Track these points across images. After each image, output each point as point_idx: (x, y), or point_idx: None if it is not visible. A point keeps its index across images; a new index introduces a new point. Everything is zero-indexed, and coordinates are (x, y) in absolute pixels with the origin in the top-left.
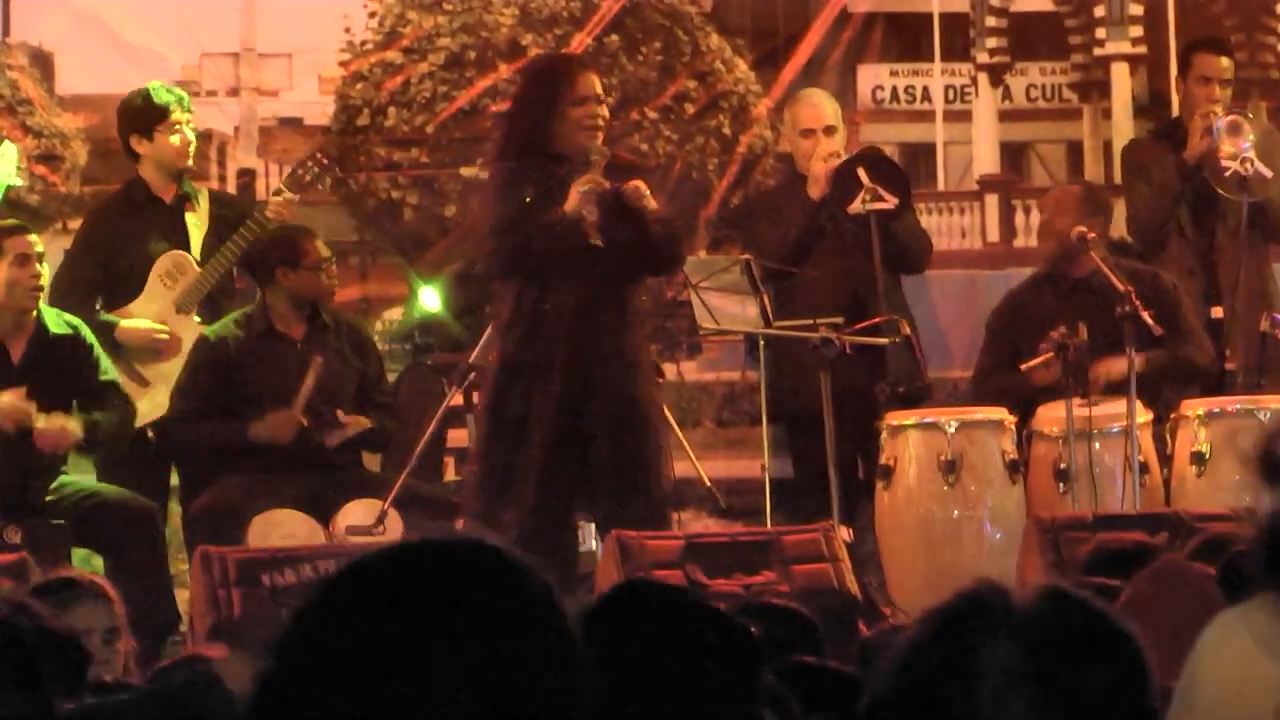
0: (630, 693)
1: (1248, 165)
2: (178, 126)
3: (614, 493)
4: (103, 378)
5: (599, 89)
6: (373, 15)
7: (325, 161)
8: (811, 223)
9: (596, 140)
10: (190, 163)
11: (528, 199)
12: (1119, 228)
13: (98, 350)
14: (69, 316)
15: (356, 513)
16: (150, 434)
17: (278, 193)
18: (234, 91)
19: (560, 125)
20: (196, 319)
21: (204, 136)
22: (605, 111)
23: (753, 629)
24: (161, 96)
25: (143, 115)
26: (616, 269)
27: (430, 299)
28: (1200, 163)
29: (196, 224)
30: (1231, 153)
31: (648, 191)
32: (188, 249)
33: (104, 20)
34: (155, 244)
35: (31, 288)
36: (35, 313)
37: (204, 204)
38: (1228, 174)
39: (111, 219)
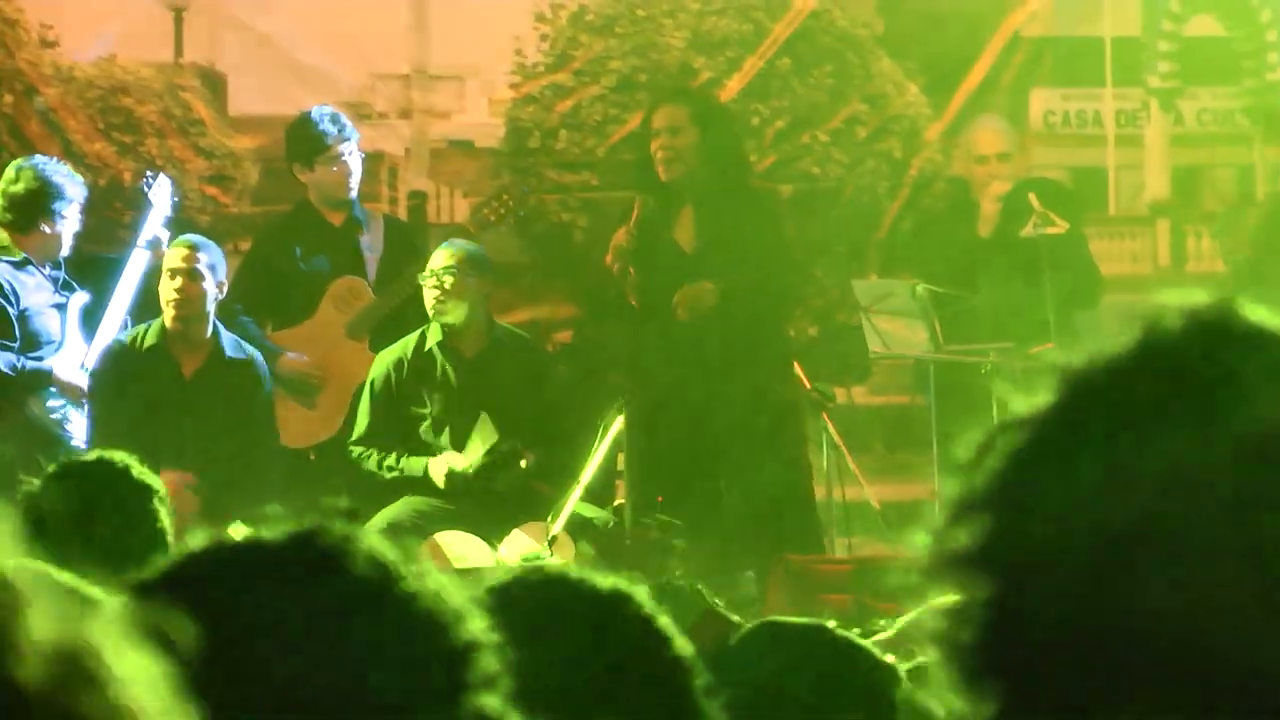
0: None
1: None
2: (339, 156)
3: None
4: (257, 412)
5: (671, 121)
6: (544, 38)
7: (510, 202)
8: (981, 249)
9: (668, 172)
10: (353, 191)
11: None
12: None
13: (264, 384)
14: (249, 346)
15: (526, 536)
16: (312, 456)
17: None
18: (405, 113)
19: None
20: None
21: (375, 158)
22: (678, 144)
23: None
24: (321, 126)
25: (303, 145)
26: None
27: None
28: None
29: (370, 249)
30: None
31: None
32: (361, 273)
33: (275, 41)
34: (325, 267)
35: (171, 301)
36: (212, 332)
37: (376, 229)
38: None
39: (278, 240)
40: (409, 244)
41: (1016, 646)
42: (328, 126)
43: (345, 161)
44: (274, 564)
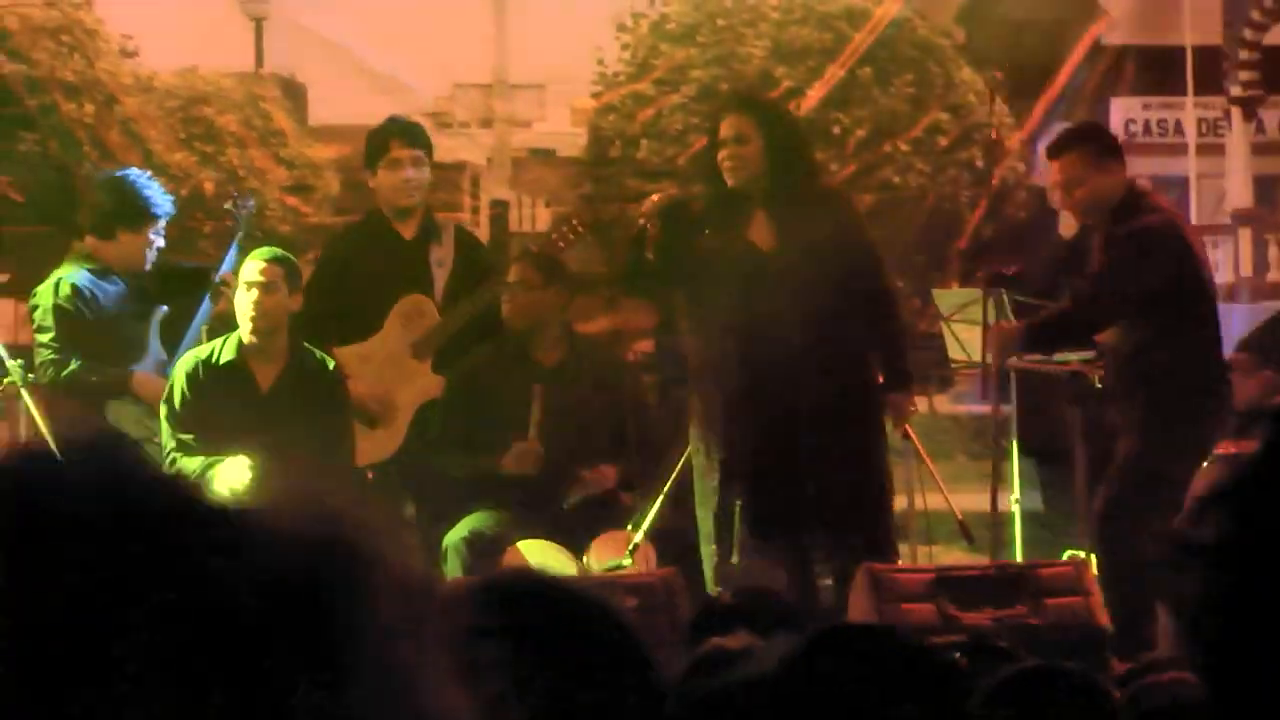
0: None
1: None
2: (399, 161)
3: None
4: (335, 423)
5: (736, 130)
6: (625, 47)
7: (580, 229)
8: (1063, 257)
9: (733, 179)
10: (413, 200)
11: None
12: None
13: (342, 395)
14: (325, 356)
15: (609, 545)
16: (370, 475)
17: (522, 256)
18: (486, 122)
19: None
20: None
21: (456, 168)
22: (743, 152)
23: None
24: (387, 130)
25: (368, 149)
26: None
27: None
28: None
29: (439, 263)
30: None
31: None
32: (429, 289)
33: (356, 51)
34: (394, 282)
35: (248, 315)
36: (289, 345)
37: (449, 241)
38: None
39: (347, 252)
40: (478, 260)
41: (1262, 639)
42: (394, 131)
43: (407, 167)
44: None
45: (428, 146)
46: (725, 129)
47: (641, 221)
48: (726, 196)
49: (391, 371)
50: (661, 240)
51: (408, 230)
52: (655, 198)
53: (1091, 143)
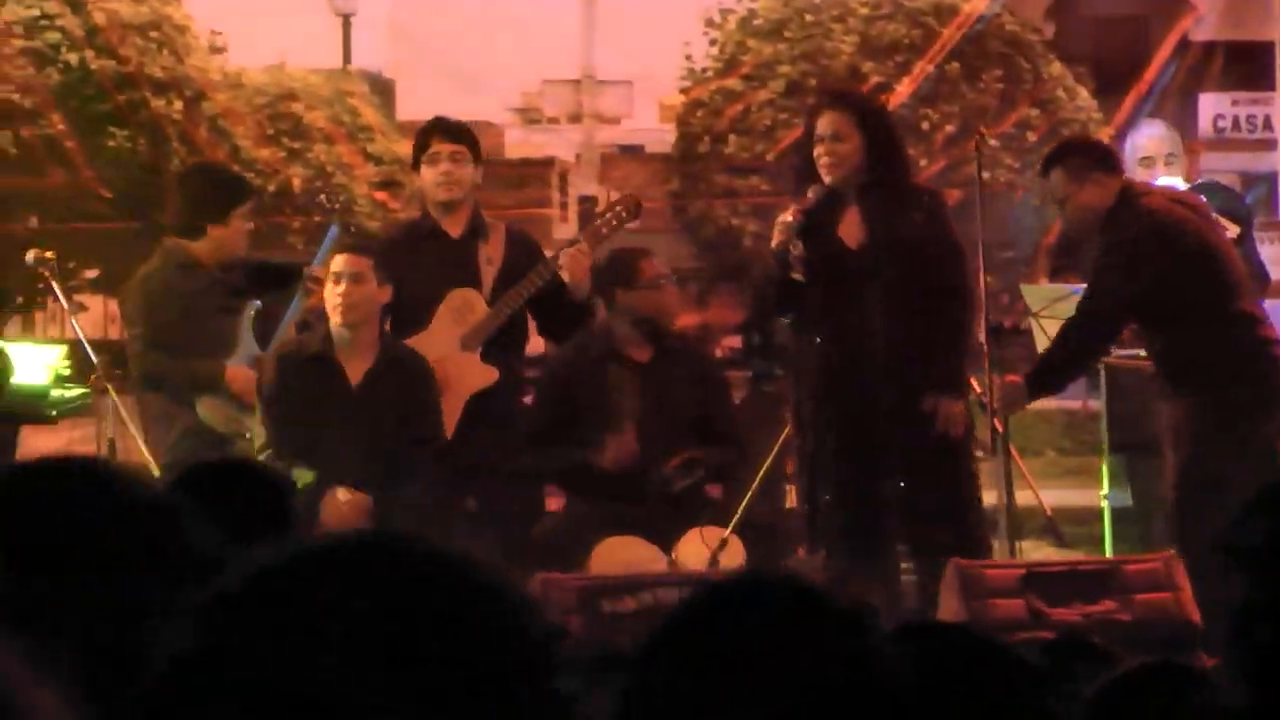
0: None
1: None
2: (438, 155)
3: (923, 521)
4: (426, 412)
5: (834, 127)
6: (713, 43)
7: (624, 215)
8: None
9: (830, 176)
10: (452, 195)
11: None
12: None
13: (432, 383)
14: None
15: (698, 540)
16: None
17: (573, 242)
18: (575, 118)
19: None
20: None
21: (544, 163)
22: (841, 150)
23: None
24: (428, 127)
25: (414, 148)
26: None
27: None
28: None
29: (488, 261)
30: None
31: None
32: (477, 286)
33: (444, 47)
34: (442, 278)
35: (334, 306)
36: (379, 336)
37: (497, 240)
38: None
39: (395, 251)
40: (528, 258)
41: None
42: (435, 128)
43: (444, 161)
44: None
45: (472, 144)
46: (823, 126)
47: (779, 243)
48: (823, 194)
49: (441, 364)
50: (807, 256)
51: (455, 228)
52: (788, 218)
53: (1074, 157)
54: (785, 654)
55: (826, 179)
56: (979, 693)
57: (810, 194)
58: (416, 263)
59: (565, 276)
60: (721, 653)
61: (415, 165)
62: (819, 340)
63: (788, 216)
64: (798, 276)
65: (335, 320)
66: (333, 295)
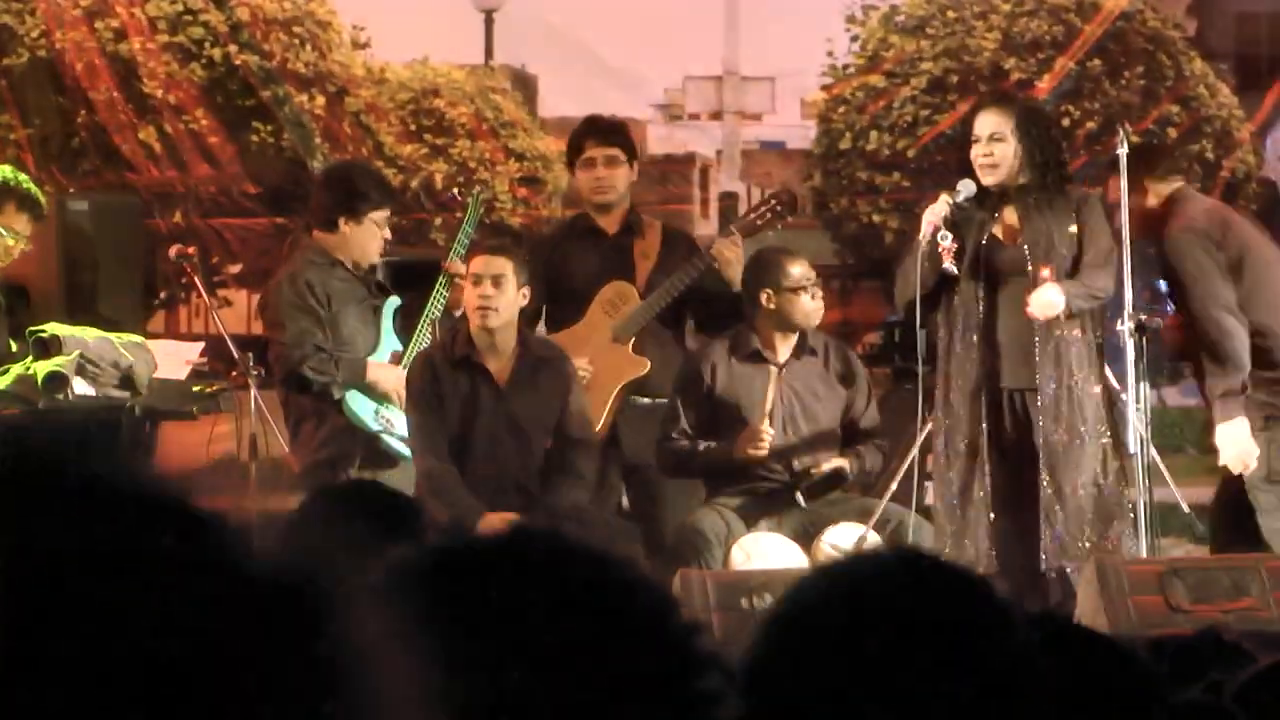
0: None
1: None
2: (592, 160)
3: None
4: (570, 419)
5: (994, 128)
6: (855, 39)
7: (779, 208)
8: None
9: (987, 177)
10: (607, 198)
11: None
12: None
13: (575, 381)
14: (555, 345)
15: (838, 536)
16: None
17: (727, 234)
18: (716, 115)
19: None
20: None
21: (686, 160)
22: (999, 150)
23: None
24: (581, 129)
25: (568, 150)
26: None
27: None
28: None
29: (644, 255)
30: None
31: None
32: (632, 280)
33: (586, 43)
34: (598, 273)
35: (476, 308)
36: (519, 336)
37: (652, 237)
38: None
39: (551, 247)
40: (683, 253)
41: None
42: (588, 131)
43: (599, 166)
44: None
45: (626, 145)
46: (980, 126)
47: (929, 242)
48: (978, 193)
49: (594, 355)
50: (960, 249)
51: (610, 226)
52: (939, 208)
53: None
54: (946, 637)
55: (984, 180)
56: (1104, 694)
57: (960, 187)
58: (573, 259)
59: (720, 267)
60: (875, 627)
61: (570, 166)
62: (972, 336)
63: (939, 207)
64: (949, 267)
65: (475, 322)
66: (473, 297)
